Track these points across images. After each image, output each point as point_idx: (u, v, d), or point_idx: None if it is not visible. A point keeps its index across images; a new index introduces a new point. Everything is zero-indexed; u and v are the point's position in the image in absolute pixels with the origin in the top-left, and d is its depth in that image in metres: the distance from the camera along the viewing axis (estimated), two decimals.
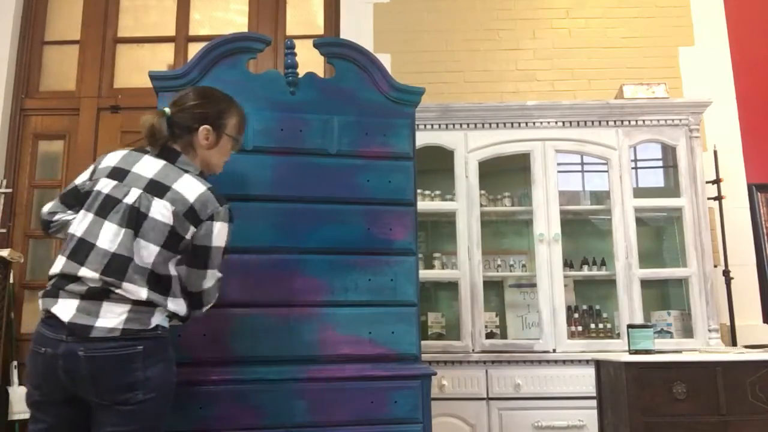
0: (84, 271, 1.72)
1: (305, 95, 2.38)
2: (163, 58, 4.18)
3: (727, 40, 3.86)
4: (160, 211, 1.78)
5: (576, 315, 3.33)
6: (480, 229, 3.25)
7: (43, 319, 1.75)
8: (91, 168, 1.93)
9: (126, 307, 1.71)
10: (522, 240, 3.59)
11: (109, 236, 1.75)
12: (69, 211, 1.90)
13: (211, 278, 1.90)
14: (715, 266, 3.31)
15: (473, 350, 3.12)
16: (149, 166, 1.86)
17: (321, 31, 4.14)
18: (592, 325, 3.32)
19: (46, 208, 1.95)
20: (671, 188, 3.52)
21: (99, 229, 1.77)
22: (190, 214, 1.81)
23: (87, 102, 4.04)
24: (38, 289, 3.82)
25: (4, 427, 3.49)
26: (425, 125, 3.28)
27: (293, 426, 2.12)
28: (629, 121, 3.32)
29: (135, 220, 1.77)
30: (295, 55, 2.39)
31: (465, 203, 3.27)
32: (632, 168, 3.39)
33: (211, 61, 2.34)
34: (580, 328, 3.30)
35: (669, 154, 3.53)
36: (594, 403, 2.73)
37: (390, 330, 2.27)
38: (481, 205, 3.31)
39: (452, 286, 3.34)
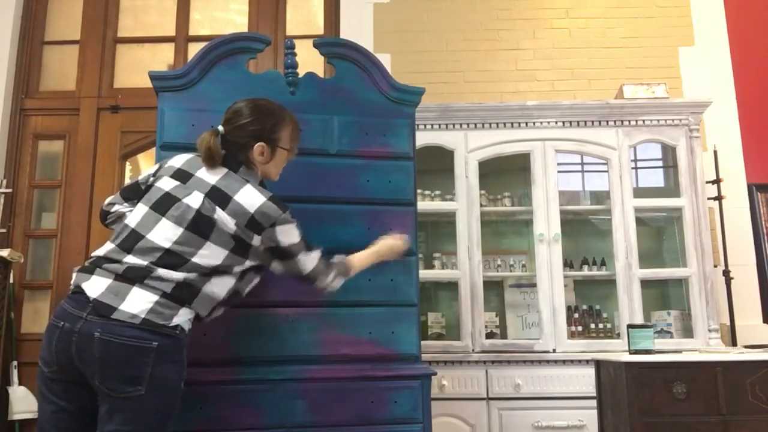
0: (130, 259, 1.76)
1: (305, 95, 2.38)
2: (163, 58, 4.18)
3: (727, 40, 3.86)
4: (224, 221, 1.83)
5: (576, 315, 3.33)
6: (480, 229, 3.25)
7: (70, 294, 1.77)
8: (156, 166, 1.99)
9: (154, 298, 1.72)
10: (522, 240, 3.59)
11: (165, 233, 1.79)
12: (126, 204, 1.98)
13: (307, 262, 1.94)
14: (715, 266, 3.31)
15: (473, 350, 3.12)
16: (212, 172, 1.90)
17: (321, 31, 4.14)
18: (592, 325, 3.32)
19: (107, 200, 2.03)
20: (671, 188, 3.52)
21: (154, 223, 1.81)
22: (252, 224, 1.85)
23: (87, 102, 4.04)
24: (38, 289, 3.85)
25: (4, 427, 3.49)
26: (425, 125, 3.28)
27: (293, 426, 2.12)
28: (629, 121, 3.32)
29: (204, 224, 1.81)
30: (295, 55, 2.40)
31: (465, 203, 3.27)
32: (632, 168, 3.39)
33: (211, 61, 2.34)
34: (580, 328, 3.30)
35: (669, 154, 3.53)
36: (594, 403, 2.73)
37: (390, 330, 2.28)
38: (481, 205, 3.31)
39: (452, 286, 3.34)
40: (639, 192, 3.41)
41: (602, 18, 3.94)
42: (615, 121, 3.32)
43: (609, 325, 3.32)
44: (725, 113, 3.72)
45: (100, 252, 1.82)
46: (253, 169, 1.98)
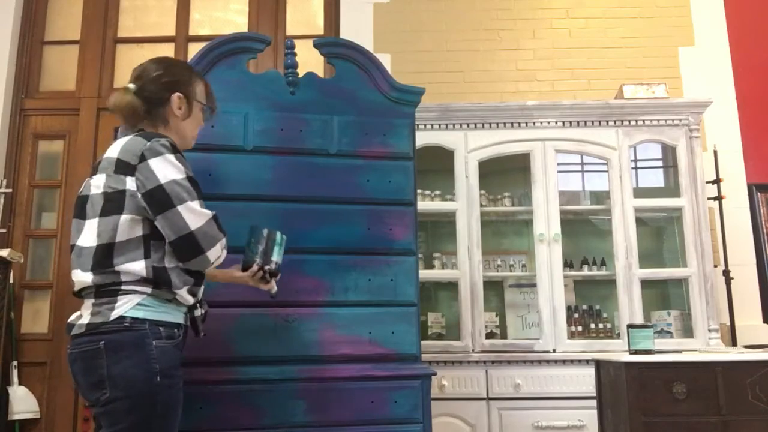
0: (73, 275, 1.75)
1: (305, 95, 2.38)
2: None
3: (727, 40, 3.86)
4: (96, 185, 1.72)
5: (576, 315, 3.33)
6: (480, 229, 3.25)
7: None
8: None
9: (91, 301, 1.70)
10: (522, 240, 3.59)
11: (75, 233, 1.75)
12: None
13: (192, 213, 1.67)
14: (715, 266, 3.31)
15: (473, 350, 3.12)
16: (115, 146, 1.76)
17: (321, 31, 4.14)
18: (592, 325, 3.32)
19: None
20: (671, 188, 3.52)
21: (75, 230, 1.76)
22: (120, 167, 1.69)
23: (87, 102, 4.04)
24: (38, 289, 3.85)
25: (4, 427, 3.48)
26: (425, 125, 3.28)
27: (293, 426, 2.13)
28: (629, 121, 3.32)
29: (81, 206, 1.75)
30: (295, 55, 2.40)
31: (465, 203, 3.27)
32: (632, 168, 3.39)
33: (211, 61, 2.34)
34: (580, 328, 3.30)
35: (669, 154, 3.53)
36: (594, 403, 2.73)
37: (390, 330, 2.28)
38: (481, 205, 3.31)
39: (452, 286, 3.34)
40: (639, 192, 3.41)
41: (602, 18, 3.94)
42: (615, 121, 3.32)
43: (609, 325, 3.32)
44: (725, 113, 3.72)
45: None
46: (165, 132, 1.82)
